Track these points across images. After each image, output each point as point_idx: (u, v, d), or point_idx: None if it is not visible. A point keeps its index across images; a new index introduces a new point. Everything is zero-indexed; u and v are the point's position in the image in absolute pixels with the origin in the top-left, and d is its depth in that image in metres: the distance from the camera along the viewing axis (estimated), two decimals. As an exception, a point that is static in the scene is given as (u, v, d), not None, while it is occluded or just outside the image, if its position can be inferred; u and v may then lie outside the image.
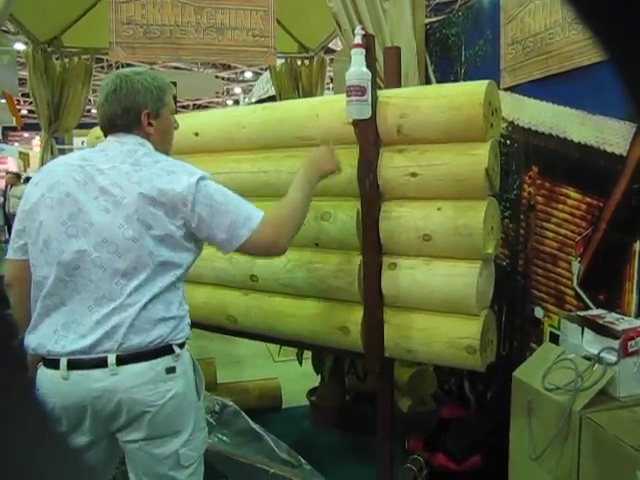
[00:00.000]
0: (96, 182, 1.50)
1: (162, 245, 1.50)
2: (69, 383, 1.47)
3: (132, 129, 1.59)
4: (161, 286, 1.50)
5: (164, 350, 1.51)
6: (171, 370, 1.52)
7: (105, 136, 1.64)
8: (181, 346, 1.56)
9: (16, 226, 1.62)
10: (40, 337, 1.51)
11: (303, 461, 2.62)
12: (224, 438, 2.78)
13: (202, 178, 1.53)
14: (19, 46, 5.52)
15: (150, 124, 1.61)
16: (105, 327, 1.46)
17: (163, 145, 1.68)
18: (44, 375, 1.51)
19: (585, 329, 1.88)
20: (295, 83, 5.24)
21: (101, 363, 1.46)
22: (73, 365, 1.47)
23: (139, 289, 1.48)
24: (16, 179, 10.98)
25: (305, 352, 3.24)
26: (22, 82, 6.14)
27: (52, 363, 1.49)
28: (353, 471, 2.76)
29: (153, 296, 1.49)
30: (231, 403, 2.91)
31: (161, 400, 1.50)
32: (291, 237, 1.64)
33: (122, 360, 1.47)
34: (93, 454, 1.58)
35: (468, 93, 1.84)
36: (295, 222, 1.66)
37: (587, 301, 2.22)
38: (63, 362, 1.47)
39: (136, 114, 1.58)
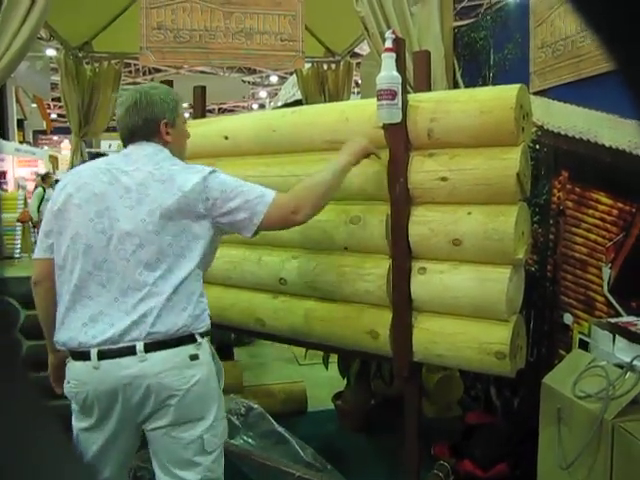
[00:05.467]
0: (121, 182, 1.64)
1: (181, 237, 1.63)
2: (100, 372, 1.57)
3: (152, 138, 1.74)
4: (182, 276, 1.62)
5: (188, 339, 1.62)
6: (194, 357, 1.62)
7: (125, 146, 1.77)
8: (202, 335, 1.66)
9: (44, 227, 1.73)
10: (69, 330, 1.61)
11: (328, 465, 2.62)
12: (249, 440, 2.79)
13: (214, 171, 1.69)
14: (50, 52, 5.62)
15: (168, 133, 1.76)
16: (133, 316, 1.57)
17: (179, 151, 1.83)
18: (74, 367, 1.62)
19: (617, 336, 1.85)
20: (321, 87, 5.25)
21: (130, 351, 1.56)
22: (103, 355, 1.57)
23: (162, 279, 1.60)
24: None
25: (331, 356, 3.24)
26: (53, 87, 6.26)
27: (82, 355, 1.59)
28: (378, 476, 2.75)
29: (175, 286, 1.60)
30: (256, 406, 2.92)
31: (186, 385, 1.60)
32: (311, 209, 1.73)
33: (149, 348, 1.57)
34: (119, 444, 1.67)
35: (499, 97, 1.83)
36: (316, 195, 1.75)
37: (618, 308, 2.19)
38: (93, 353, 1.57)
39: (156, 124, 1.73)
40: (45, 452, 0.30)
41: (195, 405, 1.63)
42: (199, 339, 1.64)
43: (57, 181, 5.65)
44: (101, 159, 1.81)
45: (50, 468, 0.30)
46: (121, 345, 1.56)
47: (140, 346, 1.56)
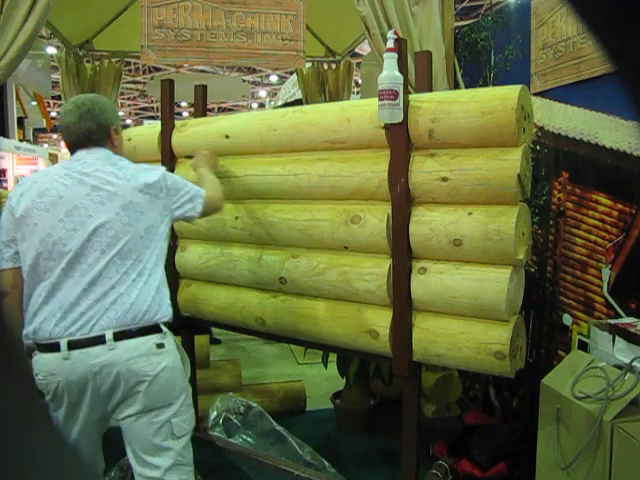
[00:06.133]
0: (85, 183, 1.74)
1: (149, 230, 1.78)
2: (71, 362, 1.65)
3: (104, 142, 1.87)
4: (148, 267, 1.76)
5: (153, 328, 1.75)
6: (161, 346, 1.75)
7: (74, 151, 1.86)
8: (166, 325, 1.80)
9: (4, 238, 1.77)
10: (40, 322, 1.67)
11: (327, 464, 2.62)
12: (248, 439, 2.79)
13: (165, 171, 1.89)
14: (51, 50, 5.61)
15: (115, 138, 1.91)
16: (103, 304, 1.68)
17: (122, 155, 1.96)
18: (43, 359, 1.68)
19: (616, 337, 1.85)
20: (322, 87, 5.24)
21: (100, 340, 1.66)
22: (73, 345, 1.65)
23: (132, 268, 1.73)
24: None
25: (330, 355, 3.24)
26: (53, 85, 6.25)
27: (51, 347, 1.66)
28: (376, 475, 2.75)
29: (143, 275, 1.74)
30: (255, 405, 2.92)
31: (154, 371, 1.71)
32: (224, 198, 2.14)
33: (118, 336, 1.68)
34: (92, 432, 1.77)
35: (501, 98, 1.83)
36: (220, 189, 2.15)
37: (617, 309, 2.19)
38: (63, 343, 1.65)
39: (108, 129, 1.87)
40: (44, 452, 0.30)
41: (163, 391, 1.74)
42: (164, 329, 1.78)
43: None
44: (55, 165, 1.96)
45: (50, 468, 0.30)
46: (91, 334, 1.66)
47: (109, 335, 1.66)
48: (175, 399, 1.77)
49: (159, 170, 1.86)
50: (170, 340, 1.79)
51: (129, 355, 1.68)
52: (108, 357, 1.66)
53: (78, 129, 1.82)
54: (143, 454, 1.76)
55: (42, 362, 1.68)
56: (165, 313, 1.79)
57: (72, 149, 1.86)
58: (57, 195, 1.73)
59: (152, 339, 1.73)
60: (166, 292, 1.83)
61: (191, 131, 2.58)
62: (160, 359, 1.73)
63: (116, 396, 1.70)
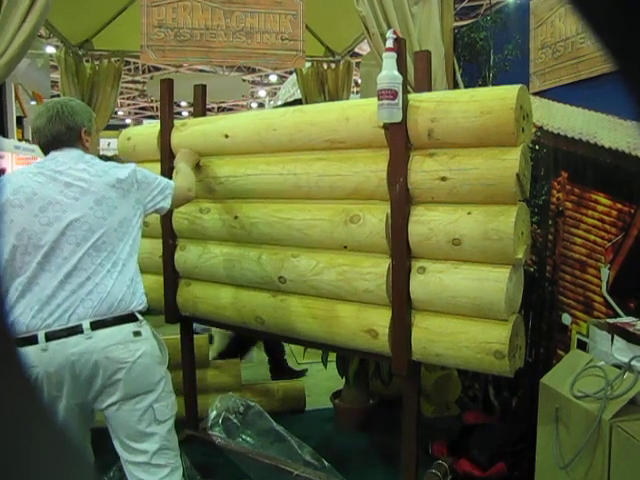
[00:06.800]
0: (59, 180, 1.80)
1: (122, 223, 1.85)
2: (49, 353, 1.69)
3: (74, 144, 1.92)
4: (122, 258, 1.83)
5: (129, 317, 1.80)
6: (137, 334, 1.80)
7: (47, 153, 1.92)
8: (141, 314, 1.86)
9: None
10: (17, 316, 1.70)
11: (326, 463, 2.62)
12: (248, 439, 2.79)
13: (135, 166, 1.97)
14: (50, 49, 5.60)
15: (87, 140, 1.96)
16: (80, 295, 1.73)
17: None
18: (21, 352, 1.63)
19: (615, 337, 1.86)
20: (321, 87, 5.25)
21: (77, 330, 1.71)
22: (51, 336, 1.69)
23: (106, 259, 1.79)
24: None
25: (329, 355, 3.24)
26: (52, 84, 6.25)
27: (29, 340, 1.68)
28: (376, 474, 2.75)
29: (117, 266, 1.80)
30: (255, 404, 2.92)
31: (132, 357, 1.76)
32: (195, 189, 2.27)
33: (95, 326, 1.73)
34: (74, 422, 1.79)
35: (500, 97, 1.83)
36: (192, 181, 2.28)
37: (616, 308, 2.20)
38: (41, 335, 1.69)
39: (77, 131, 1.92)
40: (45, 451, 0.30)
41: (142, 378, 1.79)
42: (140, 317, 1.84)
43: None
44: (29, 165, 2.03)
45: (50, 468, 0.30)
46: (68, 325, 1.70)
47: (86, 324, 1.71)
48: (155, 385, 1.82)
49: (130, 166, 1.95)
50: (146, 328, 1.85)
51: (106, 343, 1.73)
52: (85, 346, 1.70)
53: (48, 131, 1.89)
54: (129, 441, 1.81)
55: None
56: (140, 302, 1.85)
57: (45, 150, 1.93)
58: (31, 192, 1.78)
59: (129, 327, 1.79)
60: (140, 282, 1.90)
61: (191, 130, 2.58)
62: (138, 346, 1.78)
63: (96, 384, 1.74)
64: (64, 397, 1.72)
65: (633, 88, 0.31)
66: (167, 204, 2.04)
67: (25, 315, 1.70)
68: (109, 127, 5.54)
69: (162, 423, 1.83)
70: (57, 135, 1.89)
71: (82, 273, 1.75)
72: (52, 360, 1.68)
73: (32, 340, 1.68)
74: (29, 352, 1.68)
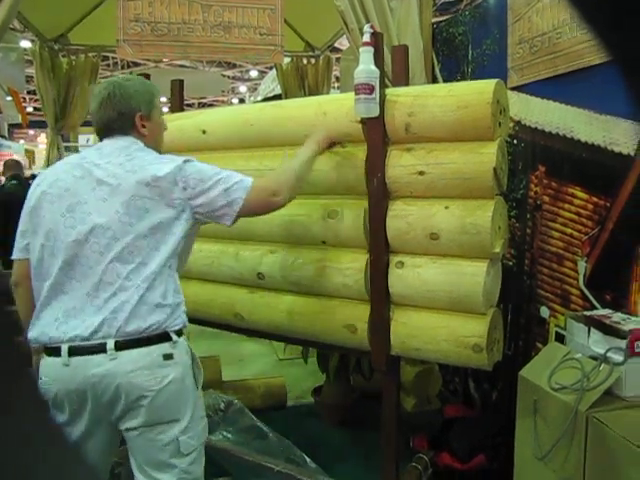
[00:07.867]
0: (93, 175, 1.61)
1: (157, 230, 1.59)
2: (70, 369, 1.54)
3: (128, 131, 1.72)
4: (155, 271, 1.58)
5: (161, 337, 1.58)
6: (169, 357, 1.58)
7: (101, 140, 1.75)
8: (178, 334, 1.62)
9: (20, 227, 1.70)
10: (42, 326, 1.58)
11: (308, 459, 2.62)
12: (229, 435, 2.79)
13: (189, 160, 1.66)
14: (25, 43, 5.51)
15: (144, 126, 1.73)
16: (104, 312, 1.54)
17: (156, 144, 1.80)
18: (46, 363, 1.58)
19: (592, 329, 1.87)
20: (301, 82, 5.23)
21: (101, 349, 1.53)
22: (74, 351, 1.54)
23: (135, 272, 1.56)
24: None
25: (310, 350, 3.24)
26: (28, 79, 6.15)
27: (54, 351, 1.56)
28: (357, 469, 2.76)
29: (148, 281, 1.56)
30: (236, 401, 2.92)
31: (158, 385, 1.55)
32: (289, 192, 1.76)
33: (120, 346, 1.53)
34: (93, 442, 1.63)
35: (476, 92, 1.84)
36: (292, 179, 1.80)
37: (593, 301, 2.22)
38: (64, 349, 1.54)
39: (131, 117, 1.71)
40: (46, 450, 0.30)
41: (168, 406, 1.59)
42: (174, 337, 1.60)
43: (33, 176, 5.55)
44: (77, 154, 1.80)
45: (52, 467, 0.30)
46: (92, 342, 1.53)
47: (111, 344, 1.53)
48: (182, 414, 1.61)
49: (176, 160, 1.65)
50: (182, 349, 1.62)
51: (131, 367, 1.53)
52: (108, 367, 1.53)
53: (99, 117, 1.72)
54: (147, 467, 1.63)
55: (45, 365, 1.58)
56: (177, 322, 1.61)
57: (99, 138, 1.76)
58: (64, 187, 1.63)
59: (159, 349, 1.57)
60: (179, 298, 1.66)
61: (168, 126, 2.55)
62: (166, 372, 1.57)
63: (117, 408, 1.57)
64: (86, 414, 1.58)
65: (629, 81, 0.31)
66: (233, 212, 1.65)
67: (49, 325, 1.57)
68: (87, 123, 5.47)
69: (185, 456, 1.62)
70: (108, 122, 1.70)
71: (108, 287, 1.55)
72: (73, 378, 1.54)
73: (56, 352, 1.55)
74: (51, 365, 1.57)
